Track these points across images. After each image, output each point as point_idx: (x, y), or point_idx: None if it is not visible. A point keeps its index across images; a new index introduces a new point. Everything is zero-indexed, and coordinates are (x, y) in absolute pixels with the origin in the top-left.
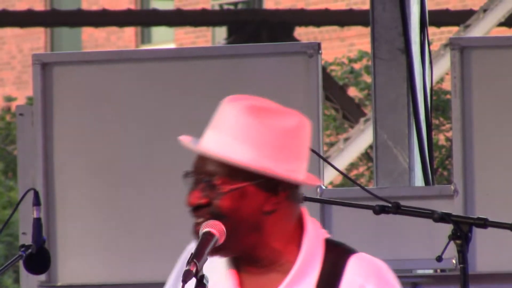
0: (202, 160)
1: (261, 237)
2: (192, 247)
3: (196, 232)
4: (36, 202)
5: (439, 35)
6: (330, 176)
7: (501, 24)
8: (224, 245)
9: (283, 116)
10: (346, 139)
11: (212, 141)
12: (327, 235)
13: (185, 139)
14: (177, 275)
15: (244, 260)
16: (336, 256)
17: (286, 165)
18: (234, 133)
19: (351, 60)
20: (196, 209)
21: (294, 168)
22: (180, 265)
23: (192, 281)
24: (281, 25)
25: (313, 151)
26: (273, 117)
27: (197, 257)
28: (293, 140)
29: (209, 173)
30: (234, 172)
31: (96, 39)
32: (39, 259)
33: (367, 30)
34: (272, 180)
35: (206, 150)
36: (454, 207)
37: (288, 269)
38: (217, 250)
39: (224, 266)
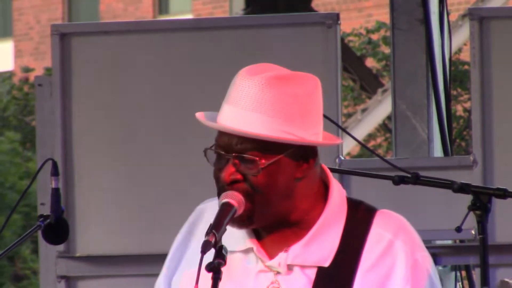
0: (230, 137)
1: (292, 202)
2: (201, 207)
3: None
4: (55, 172)
5: (456, 5)
6: (348, 146)
7: None
8: (257, 217)
9: (300, 81)
10: (363, 110)
11: (239, 117)
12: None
13: (203, 116)
14: (185, 235)
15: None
16: (361, 212)
17: (312, 129)
18: (262, 108)
19: (368, 31)
20: (230, 185)
21: (318, 131)
22: (188, 225)
23: (211, 252)
24: None
25: (331, 121)
26: (292, 85)
27: (216, 227)
28: (313, 104)
29: (241, 150)
30: (266, 146)
31: (113, 10)
32: (58, 229)
33: (384, 1)
34: (302, 148)
35: (237, 129)
36: (473, 178)
37: (312, 224)
38: (247, 223)
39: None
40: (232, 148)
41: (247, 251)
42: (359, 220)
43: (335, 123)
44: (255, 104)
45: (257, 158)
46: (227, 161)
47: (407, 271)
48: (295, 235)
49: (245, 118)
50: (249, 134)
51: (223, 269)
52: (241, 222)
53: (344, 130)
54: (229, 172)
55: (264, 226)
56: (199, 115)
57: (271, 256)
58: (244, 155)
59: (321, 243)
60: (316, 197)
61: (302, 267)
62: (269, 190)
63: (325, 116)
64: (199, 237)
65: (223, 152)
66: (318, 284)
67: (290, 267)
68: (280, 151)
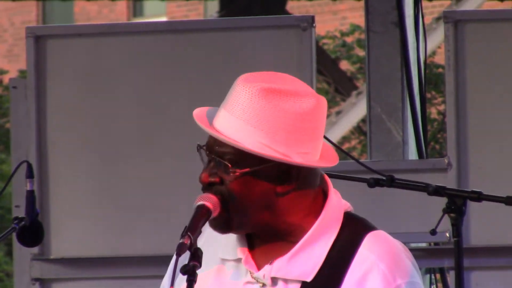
0: (215, 140)
1: (274, 215)
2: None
3: None
4: (30, 175)
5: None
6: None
7: None
8: (233, 224)
9: (300, 98)
10: (338, 113)
11: (225, 123)
12: (349, 208)
13: (199, 113)
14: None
15: (257, 233)
16: (353, 230)
17: (300, 148)
18: (247, 117)
19: (343, 34)
20: (208, 187)
21: (308, 150)
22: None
23: (186, 254)
24: None
25: None
26: (288, 100)
27: (191, 230)
28: (308, 123)
29: (221, 154)
30: (245, 156)
31: (88, 12)
32: (32, 231)
33: (359, 4)
34: (285, 164)
35: (216, 133)
36: (448, 181)
37: (301, 238)
38: (225, 229)
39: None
40: (214, 149)
41: (238, 260)
42: (349, 238)
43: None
44: (241, 112)
45: (230, 166)
46: (209, 161)
47: None
48: (283, 247)
49: (230, 124)
50: (224, 139)
51: (215, 277)
52: (218, 226)
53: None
54: (208, 173)
55: (246, 232)
56: (199, 111)
57: (259, 267)
58: (221, 159)
59: (306, 257)
60: (310, 209)
61: (285, 280)
62: (243, 199)
63: None
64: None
65: (206, 152)
66: None
67: (274, 280)
68: (256, 163)
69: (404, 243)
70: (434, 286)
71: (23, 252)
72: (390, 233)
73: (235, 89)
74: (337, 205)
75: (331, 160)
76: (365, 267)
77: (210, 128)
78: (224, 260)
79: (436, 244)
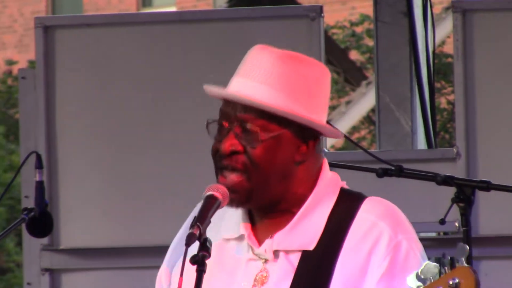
0: (234, 107)
1: (289, 185)
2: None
3: (221, 180)
4: (39, 165)
5: None
6: (332, 139)
7: None
8: (253, 196)
9: (312, 65)
10: (347, 102)
11: (246, 89)
12: (345, 186)
13: (212, 87)
14: (185, 230)
15: (264, 207)
16: (350, 200)
17: (317, 114)
18: (270, 80)
19: (352, 24)
20: (228, 157)
21: (322, 116)
22: (189, 220)
23: (195, 244)
24: None
25: None
26: (304, 66)
27: (201, 220)
28: (323, 89)
29: (244, 120)
30: (270, 119)
31: (96, 3)
32: (42, 222)
33: None
34: (304, 129)
35: (242, 95)
36: (457, 170)
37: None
38: (245, 202)
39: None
40: (236, 117)
41: (240, 238)
42: (346, 206)
43: None
44: (264, 76)
45: (259, 129)
46: (228, 131)
47: (388, 249)
48: (284, 221)
49: (252, 89)
50: (253, 102)
51: (216, 258)
52: (238, 199)
53: (328, 122)
54: (230, 142)
55: (260, 206)
56: (208, 87)
57: (261, 243)
58: (246, 124)
59: (305, 227)
60: (312, 184)
61: (287, 252)
62: (267, 166)
63: None
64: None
65: (225, 122)
66: (301, 268)
67: (276, 254)
68: (282, 126)
69: None
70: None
71: (32, 242)
72: None
73: (253, 56)
74: (332, 177)
75: (335, 131)
76: (365, 227)
77: (235, 94)
78: (226, 240)
79: (445, 233)
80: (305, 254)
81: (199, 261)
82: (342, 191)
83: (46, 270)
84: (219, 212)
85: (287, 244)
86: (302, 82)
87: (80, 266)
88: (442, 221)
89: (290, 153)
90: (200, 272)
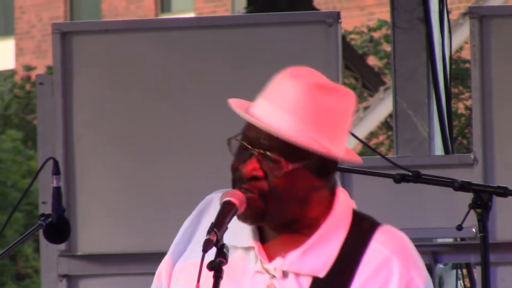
0: (259, 131)
1: (305, 208)
2: (210, 197)
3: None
4: (56, 171)
5: (457, 3)
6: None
7: None
8: (269, 217)
9: (339, 95)
10: (365, 108)
11: (273, 115)
12: (355, 206)
13: (239, 105)
14: (191, 223)
15: (276, 225)
16: (363, 225)
17: (338, 143)
18: (298, 112)
19: (370, 29)
20: (248, 181)
21: (343, 145)
22: (196, 213)
23: (212, 250)
24: None
25: None
26: (331, 97)
27: (218, 226)
28: (345, 121)
29: (269, 148)
30: (293, 150)
31: (115, 8)
32: (59, 228)
33: None
34: (325, 159)
35: (268, 125)
36: (474, 176)
37: (314, 232)
38: (258, 220)
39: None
40: (259, 143)
41: (248, 249)
42: (360, 233)
43: None
44: (291, 106)
45: (283, 160)
46: (250, 155)
47: (400, 287)
48: (296, 241)
49: (278, 117)
50: (278, 133)
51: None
52: (251, 218)
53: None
54: (252, 167)
55: (273, 226)
56: (233, 102)
57: (270, 258)
58: (270, 154)
59: (318, 253)
60: (327, 204)
61: (297, 274)
62: (286, 194)
63: None
64: (204, 228)
65: (249, 146)
66: None
67: (285, 273)
68: (305, 157)
69: (430, 239)
70: (461, 281)
71: (50, 248)
72: (416, 229)
73: (281, 82)
74: (346, 201)
75: (354, 154)
76: (378, 261)
77: (261, 122)
78: (233, 247)
79: (462, 239)
80: (316, 280)
81: (216, 267)
82: (354, 215)
83: (64, 276)
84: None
85: (298, 267)
86: (329, 114)
87: (97, 272)
88: (459, 227)
89: (310, 181)
90: (217, 278)
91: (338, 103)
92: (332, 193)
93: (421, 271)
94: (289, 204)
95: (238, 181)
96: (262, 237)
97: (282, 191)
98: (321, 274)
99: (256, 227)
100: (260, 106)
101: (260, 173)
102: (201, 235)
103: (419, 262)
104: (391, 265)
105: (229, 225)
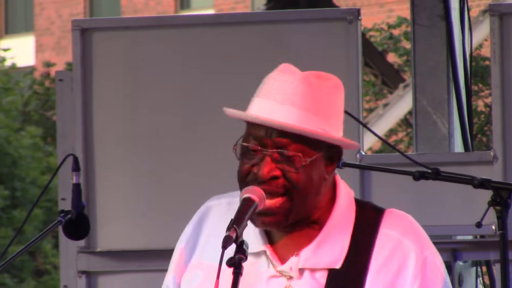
0: (268, 130)
1: (317, 200)
2: (207, 205)
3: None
4: (76, 168)
5: (477, 1)
6: (369, 142)
7: None
8: (291, 215)
9: (332, 81)
10: (385, 105)
11: (278, 111)
12: (353, 194)
13: (235, 111)
14: (191, 233)
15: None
16: (368, 212)
17: (340, 131)
18: (302, 103)
19: (390, 26)
20: (267, 182)
21: (341, 132)
22: (194, 223)
23: (232, 247)
24: None
25: (353, 117)
26: (327, 83)
27: (237, 223)
28: (341, 106)
29: (282, 145)
30: (308, 144)
31: (135, 5)
32: (78, 224)
33: None
34: (332, 149)
35: (280, 121)
36: (494, 173)
37: (323, 225)
38: (284, 223)
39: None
40: (273, 142)
41: (259, 254)
42: (367, 220)
43: (356, 119)
44: (294, 99)
45: (300, 154)
46: (264, 156)
47: (417, 268)
48: (307, 237)
49: (284, 112)
50: (292, 128)
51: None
52: (278, 223)
53: (364, 125)
54: (269, 167)
55: (285, 226)
56: (229, 110)
57: (282, 260)
58: (285, 149)
59: (331, 245)
60: (330, 197)
61: (313, 270)
62: (306, 187)
63: (346, 112)
64: (207, 236)
65: (259, 146)
66: (330, 286)
67: (301, 271)
68: (318, 148)
69: (450, 236)
70: (480, 278)
71: (69, 245)
72: (435, 226)
73: (278, 79)
74: (346, 190)
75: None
76: (390, 245)
77: (274, 121)
78: None
79: (482, 236)
80: (332, 273)
81: (236, 264)
82: (357, 203)
83: (83, 272)
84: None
85: (314, 262)
86: (328, 101)
87: (116, 269)
88: (479, 224)
89: (322, 172)
90: (237, 274)
91: (333, 88)
92: (333, 184)
93: (432, 247)
94: (310, 198)
95: (253, 183)
96: (270, 241)
97: (303, 186)
98: (337, 265)
99: (264, 230)
100: (262, 105)
101: (277, 172)
102: (205, 241)
103: (429, 241)
104: (403, 247)
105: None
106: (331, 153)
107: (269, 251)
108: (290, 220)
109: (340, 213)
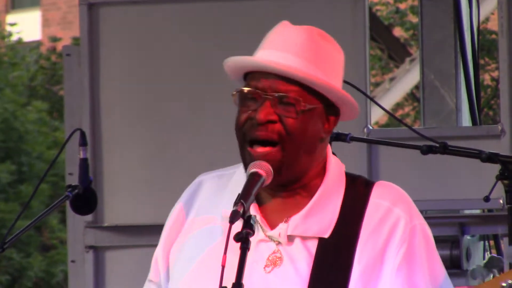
0: (270, 77)
1: (310, 162)
2: (200, 180)
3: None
4: (83, 142)
5: None
6: (376, 116)
7: None
8: (283, 168)
9: (335, 45)
10: (391, 79)
11: (283, 59)
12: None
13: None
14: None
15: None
16: (358, 185)
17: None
18: (306, 54)
19: (396, 0)
20: (263, 125)
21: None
22: (186, 196)
23: (239, 221)
24: None
25: (360, 90)
26: (331, 44)
27: (244, 197)
28: (342, 69)
29: (283, 90)
30: (308, 92)
31: None
32: (86, 199)
33: None
34: (331, 106)
35: (286, 67)
36: (501, 147)
37: (313, 194)
38: (275, 174)
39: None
40: (272, 87)
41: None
42: (357, 191)
43: (363, 92)
44: (299, 49)
45: (301, 99)
46: (263, 101)
47: (404, 234)
48: (296, 204)
49: (289, 60)
50: (298, 74)
51: (221, 237)
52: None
53: (371, 99)
54: (267, 111)
55: (285, 182)
56: (232, 60)
57: (272, 226)
58: (285, 95)
59: (321, 214)
60: (321, 166)
61: (303, 238)
62: (300, 138)
63: (353, 85)
64: (198, 210)
65: (259, 92)
66: (319, 255)
67: (290, 238)
68: (317, 99)
69: (457, 210)
70: (488, 252)
71: (76, 220)
72: (443, 200)
73: (283, 31)
74: (338, 164)
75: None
76: (380, 214)
77: (275, 64)
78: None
79: (490, 210)
80: (322, 242)
81: (243, 239)
82: (348, 176)
83: (90, 247)
84: (215, 187)
85: (303, 230)
86: (331, 60)
87: (124, 244)
88: (487, 198)
89: (318, 129)
90: (244, 249)
91: (336, 51)
92: (326, 158)
93: (422, 219)
94: (302, 153)
95: (249, 132)
96: (259, 206)
97: (297, 134)
98: (326, 234)
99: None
100: (266, 54)
101: (274, 117)
102: (194, 218)
103: (418, 213)
104: (394, 215)
105: (223, 195)
106: (330, 111)
107: (259, 216)
108: (284, 174)
109: (331, 183)
